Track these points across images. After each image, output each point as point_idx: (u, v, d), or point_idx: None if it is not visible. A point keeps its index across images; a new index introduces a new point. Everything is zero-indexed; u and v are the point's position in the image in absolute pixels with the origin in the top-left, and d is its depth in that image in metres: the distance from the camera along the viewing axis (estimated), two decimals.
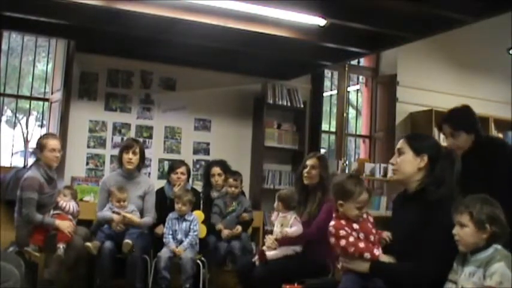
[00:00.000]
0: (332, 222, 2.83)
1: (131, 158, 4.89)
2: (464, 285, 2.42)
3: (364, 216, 2.86)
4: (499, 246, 2.41)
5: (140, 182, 4.99)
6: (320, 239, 3.92)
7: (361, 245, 2.72)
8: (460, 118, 3.73)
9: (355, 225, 2.79)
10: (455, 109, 3.81)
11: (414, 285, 2.61)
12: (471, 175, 3.48)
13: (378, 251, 2.73)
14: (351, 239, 2.74)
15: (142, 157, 5.01)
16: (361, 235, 2.77)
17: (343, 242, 2.73)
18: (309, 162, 4.22)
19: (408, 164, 2.82)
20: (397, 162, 2.87)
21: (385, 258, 2.73)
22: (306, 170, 4.20)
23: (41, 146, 4.68)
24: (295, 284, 3.53)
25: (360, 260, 2.72)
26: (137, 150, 4.93)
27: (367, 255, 2.70)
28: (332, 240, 2.79)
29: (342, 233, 2.75)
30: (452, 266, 2.54)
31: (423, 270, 2.57)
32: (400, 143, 2.91)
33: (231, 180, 5.39)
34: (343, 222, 2.79)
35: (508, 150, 3.78)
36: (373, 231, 2.82)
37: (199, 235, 4.94)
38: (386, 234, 2.84)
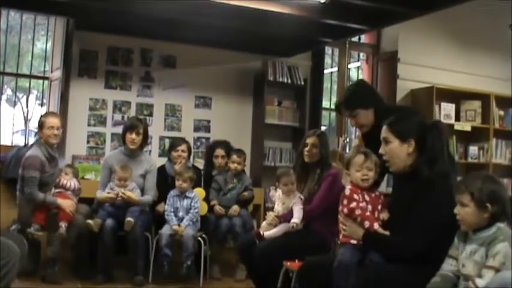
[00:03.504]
0: (349, 186, 2.99)
1: (134, 138, 4.90)
2: (465, 264, 2.42)
3: (377, 193, 3.01)
4: (502, 225, 2.37)
5: (142, 161, 5.01)
6: (321, 215, 3.96)
7: (367, 213, 2.87)
8: (352, 96, 3.73)
9: (367, 197, 2.95)
10: (347, 89, 3.81)
11: (400, 257, 2.67)
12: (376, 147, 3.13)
13: (376, 225, 2.83)
14: (361, 204, 2.90)
15: (145, 136, 5.04)
16: (369, 207, 2.91)
17: (353, 204, 2.89)
18: (309, 140, 4.21)
19: (397, 152, 2.81)
20: (386, 152, 2.86)
21: (381, 232, 2.83)
22: (306, 149, 4.20)
23: (40, 124, 4.72)
24: (296, 261, 3.56)
25: (357, 227, 2.86)
26: (141, 130, 4.95)
27: (367, 223, 2.83)
28: (344, 201, 2.94)
29: (355, 197, 2.93)
30: (442, 241, 2.56)
31: (409, 243, 2.65)
32: (384, 132, 2.87)
33: (234, 156, 5.38)
34: (358, 190, 2.96)
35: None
36: (379, 208, 2.94)
37: (200, 212, 4.97)
38: (383, 215, 2.93)
